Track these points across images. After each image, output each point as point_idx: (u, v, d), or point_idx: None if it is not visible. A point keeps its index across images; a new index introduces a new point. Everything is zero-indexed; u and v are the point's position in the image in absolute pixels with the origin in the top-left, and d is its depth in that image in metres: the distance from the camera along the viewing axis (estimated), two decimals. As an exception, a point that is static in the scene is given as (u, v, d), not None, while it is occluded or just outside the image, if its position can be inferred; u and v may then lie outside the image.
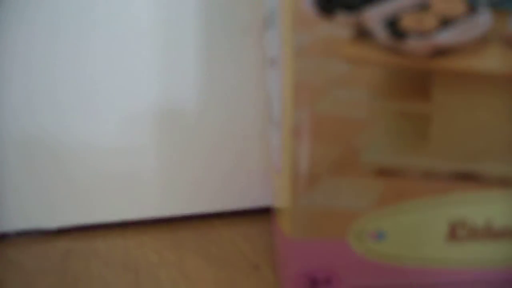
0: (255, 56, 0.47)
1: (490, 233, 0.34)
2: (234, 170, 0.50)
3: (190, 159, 0.49)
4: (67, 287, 0.37)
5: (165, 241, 0.45)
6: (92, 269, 0.40)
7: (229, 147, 0.49)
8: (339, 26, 0.31)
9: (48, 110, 0.46)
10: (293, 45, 0.31)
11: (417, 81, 0.32)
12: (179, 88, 0.47)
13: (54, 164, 0.47)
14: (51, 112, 0.46)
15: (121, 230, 0.48)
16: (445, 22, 0.31)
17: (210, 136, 0.48)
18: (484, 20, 0.31)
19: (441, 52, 0.31)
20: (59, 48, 0.45)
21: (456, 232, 0.34)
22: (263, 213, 0.49)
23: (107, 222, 0.49)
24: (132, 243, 0.45)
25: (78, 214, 0.49)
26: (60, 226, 0.48)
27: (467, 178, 0.33)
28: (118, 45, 0.46)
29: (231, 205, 0.50)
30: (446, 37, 0.31)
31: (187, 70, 0.47)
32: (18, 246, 0.46)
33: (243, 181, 0.50)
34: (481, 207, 0.34)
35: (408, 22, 0.31)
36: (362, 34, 0.31)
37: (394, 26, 0.31)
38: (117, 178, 0.48)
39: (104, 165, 0.48)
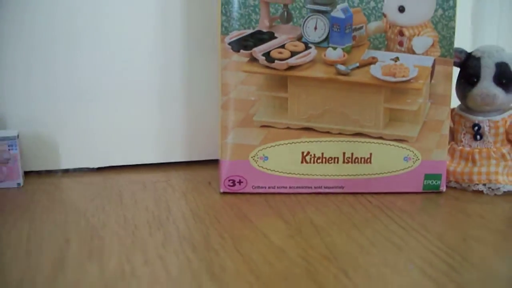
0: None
1: (323, 159, 0.72)
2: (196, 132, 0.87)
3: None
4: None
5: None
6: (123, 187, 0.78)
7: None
8: (241, 56, 0.68)
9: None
10: (221, 65, 0.68)
11: (280, 81, 0.69)
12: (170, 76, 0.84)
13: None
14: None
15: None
16: (293, 53, 0.68)
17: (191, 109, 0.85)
18: (313, 52, 0.68)
19: (291, 67, 0.68)
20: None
21: (305, 158, 0.72)
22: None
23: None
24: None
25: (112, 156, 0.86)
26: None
27: (308, 129, 0.70)
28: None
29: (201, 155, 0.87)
30: (293, 61, 0.68)
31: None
32: (69, 178, 0.83)
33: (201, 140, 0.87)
34: (317, 145, 0.71)
35: (274, 54, 0.68)
36: (252, 59, 0.68)
37: (268, 55, 0.68)
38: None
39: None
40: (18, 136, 0.78)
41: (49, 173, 0.83)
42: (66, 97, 0.81)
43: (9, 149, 0.77)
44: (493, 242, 0.58)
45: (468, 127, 0.76)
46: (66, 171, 0.84)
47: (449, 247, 0.55)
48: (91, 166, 0.85)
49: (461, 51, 0.76)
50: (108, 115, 0.83)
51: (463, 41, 0.94)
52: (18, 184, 0.78)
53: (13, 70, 0.79)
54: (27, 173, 0.80)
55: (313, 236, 0.58)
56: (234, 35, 0.68)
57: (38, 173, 0.83)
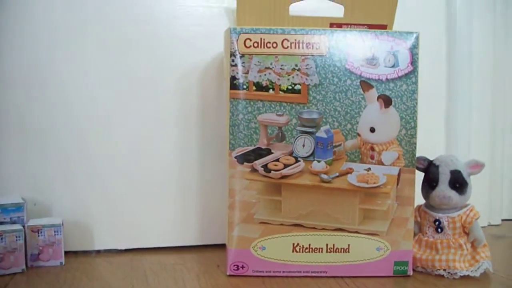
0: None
1: (310, 249, 0.92)
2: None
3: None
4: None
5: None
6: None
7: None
8: (245, 167, 0.89)
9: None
10: (228, 173, 0.89)
11: (275, 187, 0.90)
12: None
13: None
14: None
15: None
16: (286, 165, 0.90)
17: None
18: (301, 164, 0.90)
19: (284, 176, 0.90)
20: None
21: (296, 248, 0.92)
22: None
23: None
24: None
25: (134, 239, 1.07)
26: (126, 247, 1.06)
27: (298, 225, 0.91)
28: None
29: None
30: (286, 171, 0.90)
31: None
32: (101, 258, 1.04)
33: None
34: (305, 238, 0.91)
35: (271, 166, 0.89)
36: (253, 170, 0.89)
37: (266, 167, 0.90)
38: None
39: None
40: (62, 223, 0.99)
41: (84, 253, 1.03)
42: (103, 190, 1.02)
43: (55, 234, 0.98)
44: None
45: (431, 221, 0.96)
46: (98, 251, 1.05)
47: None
48: (120, 248, 1.05)
49: (424, 159, 0.97)
50: (134, 204, 1.05)
51: (438, 143, 1.16)
52: (61, 263, 0.99)
53: (60, 165, 1.00)
54: (66, 253, 1.01)
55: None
56: (239, 150, 0.89)
57: (75, 253, 1.03)
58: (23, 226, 0.95)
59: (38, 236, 0.96)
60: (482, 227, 1.19)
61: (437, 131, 1.21)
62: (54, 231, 0.97)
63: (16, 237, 0.93)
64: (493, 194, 1.28)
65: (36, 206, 1.02)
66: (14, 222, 0.96)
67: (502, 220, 1.32)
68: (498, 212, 1.29)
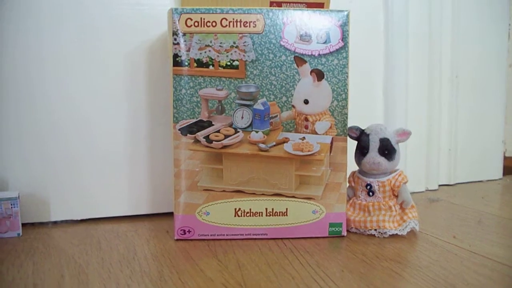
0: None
1: (251, 213, 1.01)
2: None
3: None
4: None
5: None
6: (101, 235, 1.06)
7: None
8: (188, 138, 0.98)
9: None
10: (173, 144, 0.98)
11: (217, 157, 0.99)
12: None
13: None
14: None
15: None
16: (227, 136, 0.99)
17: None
18: (240, 134, 0.99)
19: (225, 146, 0.99)
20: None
21: (237, 213, 1.01)
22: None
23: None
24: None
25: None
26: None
27: (239, 191, 1.00)
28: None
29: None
30: (227, 141, 0.98)
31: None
32: (58, 228, 1.12)
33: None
34: (246, 203, 1.01)
35: (212, 137, 0.98)
36: (196, 141, 0.98)
37: (207, 138, 0.98)
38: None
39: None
40: (18, 196, 1.06)
41: (41, 224, 1.11)
42: (56, 163, 1.10)
43: (11, 207, 1.05)
44: (362, 272, 0.86)
45: (363, 186, 1.06)
46: (55, 222, 1.13)
47: (327, 275, 0.84)
48: (75, 218, 1.13)
49: (356, 128, 1.06)
50: (88, 177, 1.12)
51: (378, 115, 1.26)
52: (18, 234, 1.06)
53: (15, 142, 1.07)
54: (24, 225, 1.08)
55: (235, 270, 0.86)
56: (183, 123, 0.98)
57: (33, 224, 1.11)
58: (-19, 200, 1.02)
59: (-4, 208, 1.03)
60: (420, 192, 1.31)
61: (375, 103, 1.31)
62: (11, 204, 1.04)
63: (-26, 209, 1.00)
64: (430, 161, 1.39)
65: (-7, 181, 1.08)
66: (-29, 196, 1.03)
67: (439, 185, 1.42)
68: (435, 178, 1.40)
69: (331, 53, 0.97)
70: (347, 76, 0.98)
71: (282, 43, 0.97)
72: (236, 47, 0.96)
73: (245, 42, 0.96)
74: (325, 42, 0.97)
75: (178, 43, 0.95)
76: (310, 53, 0.97)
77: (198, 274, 0.84)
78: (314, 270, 0.86)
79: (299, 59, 0.97)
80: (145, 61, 1.11)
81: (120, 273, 0.85)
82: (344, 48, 0.98)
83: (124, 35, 1.10)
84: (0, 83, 1.06)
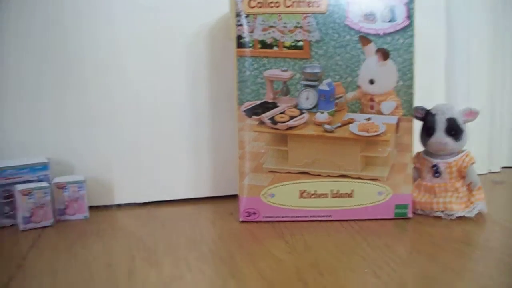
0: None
1: (316, 195, 1.01)
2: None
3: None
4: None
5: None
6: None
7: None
8: (253, 120, 0.98)
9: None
10: (238, 126, 0.98)
11: (282, 138, 0.98)
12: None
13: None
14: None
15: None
16: (292, 117, 0.98)
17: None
18: (305, 116, 0.98)
19: (290, 128, 0.98)
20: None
21: (302, 194, 1.01)
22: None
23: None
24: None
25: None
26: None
27: (304, 173, 1.00)
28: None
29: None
30: (292, 123, 0.98)
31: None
32: (122, 211, 1.13)
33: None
34: (311, 185, 1.00)
35: (277, 118, 0.98)
36: (261, 123, 0.98)
37: (273, 119, 0.98)
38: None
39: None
40: (85, 180, 1.08)
41: (106, 207, 1.13)
42: (120, 148, 1.11)
43: (78, 190, 1.07)
44: (431, 253, 0.85)
45: (429, 167, 1.04)
46: (119, 205, 1.14)
47: (397, 256, 0.83)
48: (139, 201, 1.15)
49: (422, 109, 1.04)
50: (151, 161, 1.13)
51: (439, 93, 1.23)
52: (85, 216, 1.08)
53: (80, 128, 1.09)
54: (89, 208, 1.10)
55: (304, 251, 0.86)
56: (247, 105, 0.98)
57: (98, 207, 1.13)
58: (49, 184, 1.04)
59: (64, 192, 1.05)
60: (482, 174, 1.28)
61: (437, 81, 1.29)
62: (78, 187, 1.06)
63: (44, 193, 1.02)
64: (493, 143, 1.35)
65: (59, 165, 1.10)
66: (40, 180, 1.05)
67: (502, 167, 1.39)
68: (498, 160, 1.37)
69: (396, 31, 0.96)
70: (412, 55, 0.97)
71: (346, 22, 0.95)
72: (300, 27, 0.95)
73: (309, 22, 0.95)
74: (390, 21, 0.96)
75: (241, 25, 0.95)
76: (375, 32, 0.96)
77: (268, 255, 0.84)
78: (383, 252, 0.85)
79: (364, 39, 0.96)
80: (207, 43, 1.11)
81: (189, 254, 0.86)
82: (409, 26, 0.96)
83: (186, 18, 1.10)
84: (65, 70, 1.07)
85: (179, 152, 1.14)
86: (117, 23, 1.08)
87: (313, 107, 0.97)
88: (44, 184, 1.02)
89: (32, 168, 1.04)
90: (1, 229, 1.01)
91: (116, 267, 0.81)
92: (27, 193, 1.00)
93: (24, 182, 1.03)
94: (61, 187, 1.05)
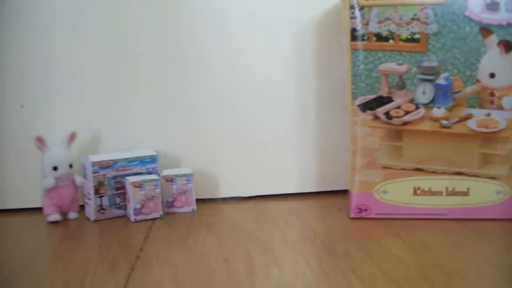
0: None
1: (430, 193, 0.98)
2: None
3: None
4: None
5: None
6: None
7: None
8: (367, 115, 0.96)
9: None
10: (351, 121, 0.96)
11: (397, 133, 0.96)
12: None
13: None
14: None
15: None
16: (407, 112, 0.95)
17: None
18: (422, 111, 0.95)
19: (406, 123, 0.95)
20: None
21: (416, 192, 0.98)
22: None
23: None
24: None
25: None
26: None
27: (419, 170, 0.97)
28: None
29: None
30: (408, 118, 0.95)
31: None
32: (228, 205, 1.13)
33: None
34: (426, 182, 0.97)
35: (392, 113, 0.95)
36: (375, 117, 0.96)
37: (387, 114, 0.95)
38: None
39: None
40: (193, 173, 1.09)
41: (211, 200, 1.14)
42: (225, 141, 1.12)
43: (187, 183, 1.08)
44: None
45: (551, 165, 0.99)
46: (224, 199, 1.15)
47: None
48: (244, 195, 1.15)
49: (544, 104, 0.99)
50: (256, 154, 1.13)
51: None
52: (193, 209, 1.09)
53: (186, 121, 1.10)
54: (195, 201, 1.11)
55: (423, 250, 0.83)
56: (361, 99, 0.95)
57: (203, 200, 1.13)
58: (159, 176, 1.05)
59: (172, 185, 1.06)
60: None
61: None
62: (186, 180, 1.07)
63: (154, 185, 1.04)
64: None
65: (166, 158, 1.12)
66: (149, 173, 1.07)
67: None
68: None
69: (520, 22, 0.91)
70: (537, 47, 0.91)
71: (466, 13, 0.92)
72: (417, 19, 0.92)
73: (426, 14, 0.92)
74: (514, 11, 0.91)
75: (355, 17, 0.93)
76: (497, 23, 0.91)
77: (387, 254, 0.82)
78: (500, 251, 0.81)
79: (485, 30, 0.91)
80: (315, 36, 1.10)
81: (305, 250, 0.85)
82: (535, 16, 0.91)
83: (294, 10, 1.09)
84: (173, 67, 1.08)
85: (285, 146, 1.13)
86: (227, 16, 1.08)
87: (430, 102, 0.94)
88: (154, 176, 1.04)
89: (142, 160, 1.06)
90: (113, 220, 1.03)
91: (234, 262, 0.81)
92: (139, 185, 1.01)
93: (133, 174, 1.05)
94: (170, 180, 1.06)
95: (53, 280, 0.77)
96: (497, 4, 0.91)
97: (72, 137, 1.05)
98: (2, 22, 1.06)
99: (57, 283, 0.76)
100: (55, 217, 1.03)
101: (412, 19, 0.92)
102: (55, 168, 1.01)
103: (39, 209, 1.05)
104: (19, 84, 1.07)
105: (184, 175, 1.07)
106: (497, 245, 0.85)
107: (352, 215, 0.98)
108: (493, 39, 0.92)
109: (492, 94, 0.94)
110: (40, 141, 1.02)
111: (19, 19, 1.05)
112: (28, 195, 1.09)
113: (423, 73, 0.93)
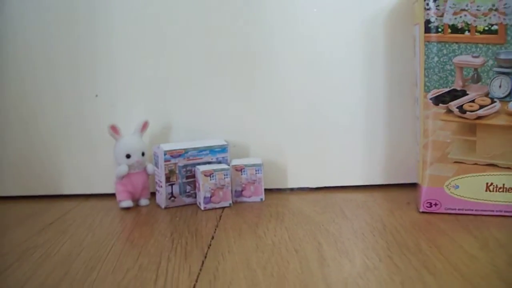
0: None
1: (504, 189, 0.96)
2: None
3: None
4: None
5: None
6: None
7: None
8: (440, 108, 0.94)
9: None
10: (423, 114, 0.95)
11: (470, 128, 0.94)
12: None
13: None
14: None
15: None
16: (482, 106, 0.94)
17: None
18: (497, 105, 0.93)
19: (480, 117, 0.94)
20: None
21: (489, 187, 0.96)
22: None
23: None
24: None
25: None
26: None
27: (492, 165, 0.95)
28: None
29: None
30: (482, 112, 0.94)
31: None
32: (295, 195, 1.14)
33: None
34: (499, 178, 0.95)
35: (466, 107, 0.94)
36: (448, 111, 0.94)
37: (461, 108, 0.94)
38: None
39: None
40: (262, 163, 1.10)
41: (279, 191, 1.15)
42: (293, 132, 1.12)
43: (256, 173, 1.09)
44: None
45: None
46: (291, 189, 1.16)
47: None
48: (311, 186, 1.15)
49: None
50: (324, 146, 1.13)
51: None
52: (261, 199, 1.10)
53: (255, 112, 1.11)
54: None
55: (497, 249, 0.82)
56: (434, 92, 0.94)
57: (271, 190, 1.15)
58: (229, 166, 1.07)
59: (241, 174, 1.08)
60: None
61: None
62: (256, 170, 1.09)
63: (224, 175, 1.05)
64: None
65: (235, 147, 1.13)
66: (219, 162, 1.08)
67: None
68: None
69: None
70: None
71: (547, 4, 0.88)
72: (496, 10, 0.90)
73: (505, 4, 0.90)
74: None
75: (430, 9, 0.92)
76: None
77: (458, 250, 0.81)
78: None
79: None
80: (385, 27, 1.09)
81: (376, 243, 0.84)
82: None
83: (365, 0, 1.08)
84: (237, 65, 1.09)
85: (352, 138, 1.13)
86: (297, 6, 1.08)
87: (506, 96, 0.92)
88: (224, 166, 1.05)
89: (212, 150, 1.08)
90: (183, 207, 1.05)
91: (304, 253, 0.82)
92: (209, 174, 1.03)
93: (204, 163, 1.07)
94: (239, 169, 1.08)
95: (129, 266, 0.79)
96: None
97: (145, 126, 1.08)
98: (84, 14, 1.09)
99: (133, 268, 0.78)
100: (128, 203, 1.06)
101: (490, 9, 0.91)
102: (128, 156, 1.04)
103: (109, 195, 1.08)
104: (94, 74, 1.11)
105: (254, 165, 1.08)
106: None
107: (421, 209, 0.97)
108: None
109: None
110: (114, 129, 1.05)
111: (95, 13, 1.08)
112: (99, 181, 1.13)
113: (500, 66, 0.91)
